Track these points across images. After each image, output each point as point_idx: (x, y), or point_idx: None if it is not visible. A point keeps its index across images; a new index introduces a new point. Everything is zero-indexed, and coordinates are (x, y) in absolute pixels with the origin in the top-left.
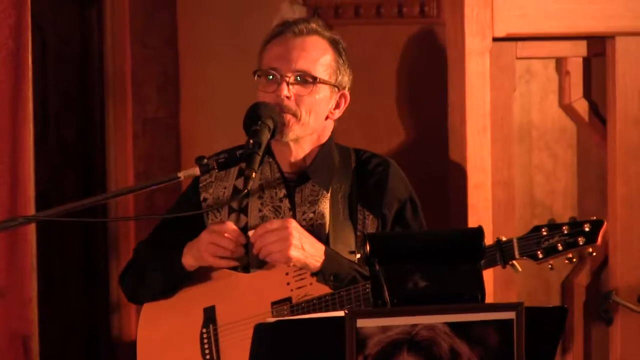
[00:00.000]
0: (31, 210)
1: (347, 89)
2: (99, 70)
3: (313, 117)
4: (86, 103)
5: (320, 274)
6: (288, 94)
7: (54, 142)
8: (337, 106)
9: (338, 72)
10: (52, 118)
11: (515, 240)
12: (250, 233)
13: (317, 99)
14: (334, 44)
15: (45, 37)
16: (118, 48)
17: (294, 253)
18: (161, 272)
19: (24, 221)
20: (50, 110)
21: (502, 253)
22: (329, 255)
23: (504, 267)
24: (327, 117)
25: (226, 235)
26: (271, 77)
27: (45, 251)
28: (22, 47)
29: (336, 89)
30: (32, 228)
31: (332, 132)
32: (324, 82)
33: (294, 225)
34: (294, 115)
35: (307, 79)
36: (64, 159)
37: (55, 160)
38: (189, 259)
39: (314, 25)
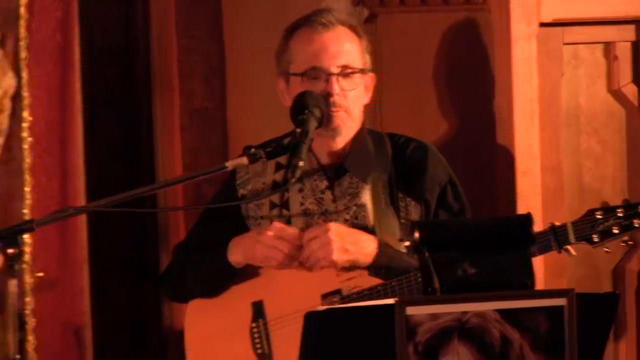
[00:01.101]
0: (81, 202)
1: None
2: (145, 62)
3: (358, 108)
4: (132, 95)
5: (372, 269)
6: (339, 91)
7: (101, 135)
8: (367, 90)
9: (365, 56)
10: (98, 111)
11: (569, 225)
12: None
13: (360, 89)
14: (355, 30)
15: (90, 29)
16: (163, 40)
17: (338, 257)
18: (207, 272)
19: (74, 212)
20: (96, 102)
21: (556, 238)
22: (380, 248)
23: (559, 251)
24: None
25: (286, 236)
26: (313, 74)
27: (96, 242)
28: (70, 40)
29: (365, 73)
30: (82, 219)
31: (363, 117)
32: (362, 72)
33: (333, 228)
34: (346, 111)
35: (349, 72)
36: (111, 151)
37: (102, 153)
38: (238, 257)
39: (336, 15)
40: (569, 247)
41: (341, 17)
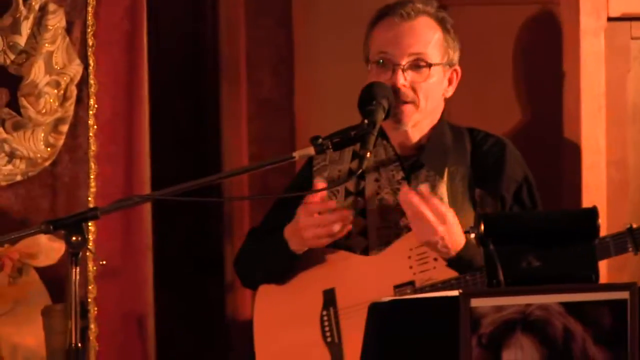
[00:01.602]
0: (146, 190)
1: (457, 63)
2: (213, 51)
3: (430, 101)
4: (199, 84)
5: (456, 259)
6: (404, 82)
7: (167, 124)
8: (450, 83)
9: (448, 49)
10: (165, 99)
11: None
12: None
13: (432, 82)
14: (441, 22)
15: (159, 17)
16: (232, 29)
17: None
18: (271, 258)
19: (139, 200)
20: (163, 91)
21: (634, 239)
22: (468, 241)
23: (635, 253)
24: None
25: (327, 213)
26: (383, 61)
27: (160, 231)
28: (138, 28)
29: (448, 67)
30: (147, 208)
31: (443, 110)
32: (437, 65)
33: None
34: (412, 102)
35: (421, 65)
36: (177, 140)
37: (168, 142)
38: (295, 245)
39: (419, 6)
40: None
41: (427, 8)
